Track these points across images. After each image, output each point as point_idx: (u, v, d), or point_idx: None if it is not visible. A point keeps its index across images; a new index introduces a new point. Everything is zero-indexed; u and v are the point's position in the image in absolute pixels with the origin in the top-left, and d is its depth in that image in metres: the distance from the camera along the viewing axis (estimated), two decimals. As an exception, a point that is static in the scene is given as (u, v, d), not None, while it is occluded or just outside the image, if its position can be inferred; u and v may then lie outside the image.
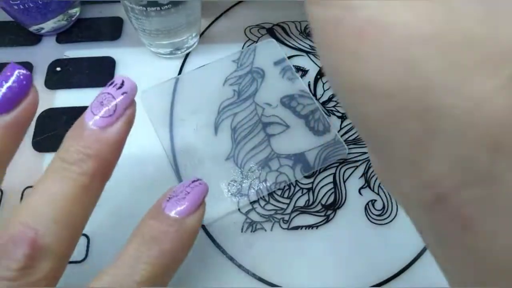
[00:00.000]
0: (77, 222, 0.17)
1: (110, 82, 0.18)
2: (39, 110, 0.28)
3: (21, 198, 0.25)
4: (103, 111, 0.18)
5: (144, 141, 0.27)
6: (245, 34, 0.32)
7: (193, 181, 0.19)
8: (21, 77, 0.17)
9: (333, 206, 0.25)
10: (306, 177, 0.26)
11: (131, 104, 0.18)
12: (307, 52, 0.31)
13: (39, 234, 0.16)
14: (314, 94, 0.29)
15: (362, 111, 0.11)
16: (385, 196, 0.26)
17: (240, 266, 0.24)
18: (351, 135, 0.28)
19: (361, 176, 0.26)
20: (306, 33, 0.32)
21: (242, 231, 0.25)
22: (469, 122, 0.09)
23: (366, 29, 0.10)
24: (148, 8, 0.25)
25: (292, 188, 0.26)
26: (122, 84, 0.18)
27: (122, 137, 0.18)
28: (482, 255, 0.10)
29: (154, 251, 0.17)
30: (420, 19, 0.09)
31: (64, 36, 0.32)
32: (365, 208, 0.25)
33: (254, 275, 0.23)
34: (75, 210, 0.17)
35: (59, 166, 0.17)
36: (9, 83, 0.17)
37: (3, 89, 0.17)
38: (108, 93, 0.18)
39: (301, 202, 0.25)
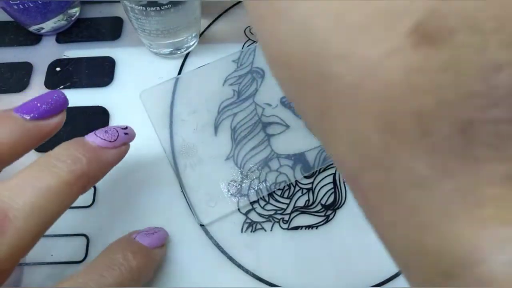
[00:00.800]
0: (48, 218, 0.17)
1: (118, 126, 0.22)
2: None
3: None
4: (105, 135, 0.20)
5: (144, 141, 0.27)
6: (245, 34, 0.32)
7: (156, 227, 0.23)
8: (58, 100, 0.20)
9: (333, 206, 0.25)
10: (306, 177, 0.26)
11: (128, 143, 0.21)
12: (307, 52, 0.31)
13: (12, 213, 0.16)
14: (314, 94, 0.29)
15: (278, 83, 0.10)
16: (385, 196, 0.26)
17: (240, 266, 0.24)
18: (351, 135, 0.28)
19: (361, 176, 0.26)
20: (306, 33, 0.32)
21: (242, 231, 0.25)
22: (359, 94, 0.08)
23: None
24: (147, 8, 0.25)
25: (292, 188, 0.26)
26: (126, 128, 0.22)
27: (112, 162, 0.20)
28: (387, 243, 0.09)
29: (123, 267, 0.19)
30: None
31: (64, 36, 0.32)
32: (365, 208, 0.25)
33: (254, 275, 0.23)
34: (53, 205, 0.17)
35: (48, 162, 0.18)
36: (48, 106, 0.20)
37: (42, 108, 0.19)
38: (114, 128, 0.21)
39: (301, 202, 0.25)
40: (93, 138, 0.20)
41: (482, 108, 0.07)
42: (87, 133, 0.28)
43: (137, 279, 0.19)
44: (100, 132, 0.20)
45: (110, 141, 0.20)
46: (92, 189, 0.25)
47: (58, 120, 0.20)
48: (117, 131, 0.21)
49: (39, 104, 0.19)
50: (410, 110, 0.07)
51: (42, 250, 0.24)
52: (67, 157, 0.18)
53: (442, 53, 0.07)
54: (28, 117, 0.19)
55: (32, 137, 0.19)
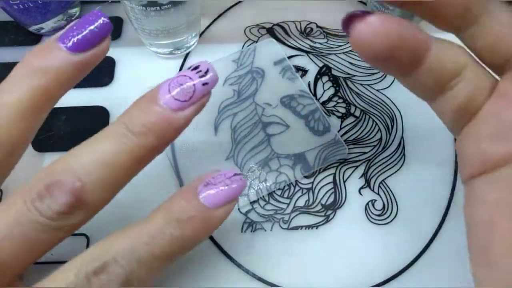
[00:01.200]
0: (115, 191, 0.18)
1: (195, 66, 0.19)
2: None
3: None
4: (180, 94, 0.18)
5: (144, 141, 0.27)
6: (245, 34, 0.32)
7: (235, 174, 0.19)
8: (104, 25, 0.18)
9: (333, 206, 0.25)
10: (306, 177, 0.26)
11: (207, 94, 0.19)
12: (307, 52, 0.31)
13: (85, 189, 0.16)
14: (314, 94, 0.29)
15: None
16: (385, 196, 0.26)
17: (240, 266, 0.24)
18: (351, 135, 0.28)
19: (361, 176, 0.26)
20: (306, 33, 0.32)
21: (242, 231, 0.25)
22: None
23: None
24: (147, 8, 0.25)
25: (292, 188, 0.26)
26: (206, 72, 0.19)
27: (187, 123, 0.18)
28: None
29: (176, 232, 0.17)
30: None
31: (64, 36, 0.32)
32: (365, 208, 0.25)
33: (254, 275, 0.23)
34: (122, 179, 0.18)
35: (120, 132, 0.17)
36: (92, 26, 0.18)
37: (86, 31, 0.18)
38: (190, 78, 0.18)
39: (301, 202, 0.25)
40: (166, 99, 0.18)
41: None
42: (87, 134, 0.28)
43: (187, 248, 0.18)
44: (174, 87, 0.18)
45: (184, 101, 0.18)
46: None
47: (103, 48, 0.19)
48: (193, 84, 0.18)
49: (81, 32, 0.18)
50: None
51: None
52: (140, 127, 0.17)
53: None
54: (71, 50, 0.18)
55: (79, 71, 0.19)
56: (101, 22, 0.18)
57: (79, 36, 0.18)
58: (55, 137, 0.27)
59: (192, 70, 0.19)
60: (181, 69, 0.30)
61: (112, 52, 0.31)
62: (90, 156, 0.17)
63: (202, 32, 0.32)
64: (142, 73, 0.30)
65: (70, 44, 0.18)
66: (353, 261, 0.24)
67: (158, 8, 0.25)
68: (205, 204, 0.18)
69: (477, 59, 0.17)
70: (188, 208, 0.18)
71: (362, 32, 0.15)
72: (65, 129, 0.28)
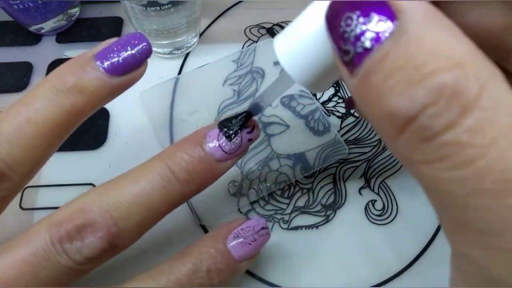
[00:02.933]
0: (144, 233, 0.18)
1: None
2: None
3: (21, 198, 0.25)
4: (228, 146, 0.18)
5: (144, 141, 0.27)
6: (245, 34, 0.32)
7: (262, 228, 0.20)
8: (145, 49, 0.18)
9: (333, 206, 0.25)
10: (306, 177, 0.26)
11: (248, 147, 0.19)
12: (307, 52, 0.31)
13: (120, 235, 0.16)
14: (314, 94, 0.29)
15: None
16: (385, 196, 0.26)
17: (240, 266, 0.24)
18: (351, 135, 0.28)
19: (361, 176, 0.26)
20: (306, 33, 0.32)
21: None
22: None
23: None
24: (148, 8, 0.25)
25: (292, 188, 0.26)
26: (253, 129, 0.19)
27: (226, 172, 0.19)
28: None
29: (205, 282, 0.17)
30: None
31: (64, 36, 0.32)
32: (365, 208, 0.25)
33: (254, 275, 0.23)
34: (155, 223, 0.18)
35: (164, 175, 0.17)
36: (134, 50, 0.17)
37: (126, 54, 0.17)
38: (240, 133, 0.18)
39: (301, 202, 0.25)
40: (215, 150, 0.18)
41: None
42: (87, 134, 0.28)
43: None
44: (223, 140, 0.18)
45: (230, 154, 0.18)
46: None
47: (141, 72, 0.18)
48: (241, 139, 0.18)
49: (121, 55, 0.17)
50: None
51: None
52: (185, 174, 0.17)
53: None
54: (109, 71, 0.17)
55: (113, 94, 0.18)
56: (143, 46, 0.18)
57: (119, 59, 0.17)
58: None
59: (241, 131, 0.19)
60: (181, 69, 0.30)
61: (112, 52, 0.31)
62: (129, 197, 0.16)
63: (202, 32, 0.32)
64: (142, 73, 0.30)
65: (108, 65, 0.17)
66: (353, 261, 0.24)
67: (158, 8, 0.25)
68: (233, 255, 0.18)
69: None
70: (218, 260, 0.18)
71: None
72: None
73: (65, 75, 0.17)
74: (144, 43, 0.18)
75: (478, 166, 0.10)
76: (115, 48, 0.17)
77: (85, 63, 0.17)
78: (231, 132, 0.18)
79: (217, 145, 0.18)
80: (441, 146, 0.10)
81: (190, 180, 0.17)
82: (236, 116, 0.19)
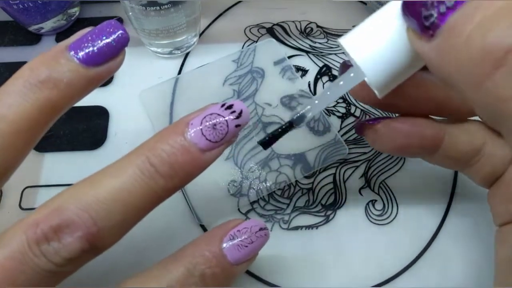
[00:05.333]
0: (127, 232, 0.16)
1: (228, 105, 0.17)
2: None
3: (21, 198, 0.25)
4: (212, 134, 0.16)
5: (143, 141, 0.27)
6: (245, 34, 0.32)
7: (261, 229, 0.18)
8: (122, 37, 0.17)
9: (333, 206, 0.25)
10: (306, 177, 0.26)
11: (237, 135, 0.17)
12: (307, 52, 0.31)
13: (100, 235, 0.15)
14: (314, 94, 0.29)
15: None
16: (385, 196, 0.26)
17: (240, 266, 0.24)
18: (351, 135, 0.28)
19: (361, 176, 0.26)
20: (306, 33, 0.32)
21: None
22: None
23: None
24: (147, 8, 0.25)
25: (292, 188, 0.26)
26: (240, 114, 0.17)
27: (213, 162, 0.17)
28: None
29: (200, 285, 0.16)
30: None
31: (64, 35, 0.32)
32: (365, 208, 0.25)
33: (254, 275, 0.23)
34: (137, 220, 0.16)
35: (145, 170, 0.15)
36: (109, 39, 0.17)
37: (101, 43, 0.16)
38: (225, 120, 0.16)
39: (301, 202, 0.25)
40: (198, 139, 0.16)
41: None
42: (87, 134, 0.28)
43: None
44: (207, 128, 0.16)
45: (215, 142, 0.16)
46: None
47: (119, 61, 0.17)
48: (227, 125, 0.16)
49: (96, 44, 0.16)
50: None
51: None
52: (167, 168, 0.16)
53: None
54: (84, 62, 0.16)
55: (90, 85, 0.17)
56: (119, 34, 0.17)
57: (94, 49, 0.16)
58: (55, 137, 0.27)
59: (226, 109, 0.17)
60: (181, 69, 0.30)
61: (112, 52, 0.31)
62: (109, 195, 0.15)
63: (202, 32, 0.32)
64: (142, 73, 0.30)
65: (83, 56, 0.16)
66: (353, 261, 0.24)
67: (158, 8, 0.25)
68: (228, 259, 0.17)
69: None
70: (213, 264, 0.17)
71: (373, 139, 0.20)
72: (64, 129, 0.28)
73: (37, 68, 0.16)
74: (121, 31, 0.17)
75: None
76: (90, 38, 0.16)
77: (58, 55, 0.16)
78: (265, 137, 0.18)
79: (200, 133, 0.16)
80: None
81: (173, 175, 0.16)
82: (278, 128, 0.18)
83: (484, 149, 0.18)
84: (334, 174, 0.26)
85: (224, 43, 0.31)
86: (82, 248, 0.15)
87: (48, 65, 0.16)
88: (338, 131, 0.28)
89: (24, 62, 0.32)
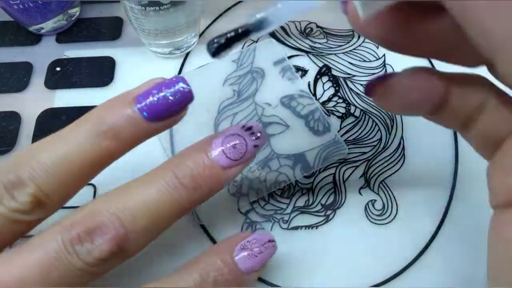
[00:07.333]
0: (153, 239, 0.18)
1: (248, 127, 0.19)
2: (39, 110, 0.28)
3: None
4: (233, 153, 0.18)
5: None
6: (245, 34, 0.32)
7: (269, 241, 0.20)
8: (186, 94, 0.18)
9: (333, 206, 0.25)
10: (306, 177, 0.26)
11: (255, 155, 0.19)
12: (307, 52, 0.31)
13: (128, 238, 0.16)
14: (314, 94, 0.29)
15: None
16: (385, 196, 0.26)
17: (240, 266, 0.24)
18: (351, 135, 0.28)
19: (361, 176, 0.26)
20: (306, 33, 0.32)
21: (242, 231, 0.25)
22: None
23: None
24: (147, 8, 0.25)
25: (292, 188, 0.26)
26: (258, 137, 0.19)
27: (232, 179, 0.19)
28: None
29: None
30: None
31: (64, 36, 0.32)
32: (365, 208, 0.25)
33: (254, 275, 0.23)
34: (163, 229, 0.18)
35: (171, 182, 0.17)
36: (175, 96, 0.17)
37: (168, 100, 0.17)
38: (244, 139, 0.18)
39: (301, 202, 0.25)
40: (219, 157, 0.18)
41: None
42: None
43: None
44: (228, 147, 0.18)
45: (235, 160, 0.18)
46: (92, 189, 0.25)
47: (180, 117, 0.18)
48: (246, 145, 0.18)
49: (162, 100, 0.17)
50: None
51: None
52: (191, 181, 0.17)
53: None
54: (148, 118, 0.17)
55: (149, 137, 0.18)
56: (185, 91, 0.18)
57: (159, 104, 0.17)
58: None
59: (246, 130, 0.19)
60: (181, 69, 0.30)
61: (112, 52, 0.31)
62: (136, 202, 0.17)
63: (202, 32, 0.32)
64: (142, 73, 0.30)
65: (148, 111, 0.17)
66: (353, 261, 0.24)
67: (157, 8, 0.25)
68: (240, 267, 0.18)
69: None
70: (225, 271, 0.18)
71: (385, 96, 0.18)
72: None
73: (104, 117, 0.17)
74: (187, 88, 0.18)
75: None
76: (156, 92, 0.17)
77: (125, 106, 0.17)
78: (215, 40, 0.15)
79: (221, 152, 0.18)
80: None
81: (196, 187, 0.17)
82: (231, 30, 0.15)
83: (488, 104, 0.17)
84: (334, 174, 0.26)
85: (224, 43, 0.31)
86: (111, 250, 0.16)
87: (114, 115, 0.17)
88: (338, 131, 0.28)
89: (25, 62, 0.32)
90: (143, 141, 0.18)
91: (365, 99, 0.29)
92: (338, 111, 0.28)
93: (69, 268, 0.16)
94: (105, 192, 0.18)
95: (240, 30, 0.15)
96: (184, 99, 0.18)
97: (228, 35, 0.15)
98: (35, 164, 0.16)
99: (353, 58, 0.30)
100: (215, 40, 0.15)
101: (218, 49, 0.15)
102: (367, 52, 0.31)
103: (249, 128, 0.19)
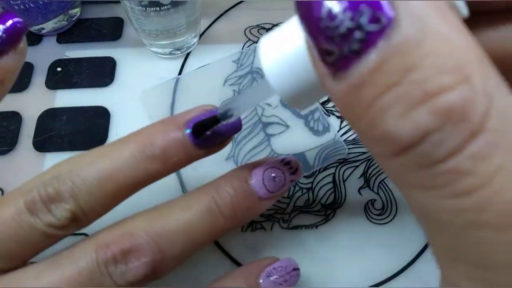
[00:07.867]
0: (182, 262, 0.18)
1: (286, 161, 0.19)
2: (40, 110, 0.28)
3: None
4: (272, 185, 0.18)
5: (144, 141, 0.27)
6: (245, 35, 0.32)
7: (294, 269, 0.20)
8: (236, 126, 0.18)
9: (333, 206, 0.25)
10: (306, 177, 0.26)
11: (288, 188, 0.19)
12: (307, 52, 0.31)
13: (163, 262, 0.16)
14: (314, 94, 0.29)
15: None
16: (385, 195, 0.26)
17: (240, 265, 0.24)
18: (351, 135, 0.28)
19: (360, 176, 0.26)
20: (306, 33, 0.32)
21: (242, 231, 0.25)
22: None
23: None
24: (147, 9, 0.26)
25: (292, 187, 0.26)
26: (295, 171, 0.19)
27: (264, 210, 0.19)
28: None
29: None
30: None
31: (65, 36, 0.32)
32: (365, 208, 0.25)
33: (254, 275, 0.24)
34: (195, 251, 0.18)
35: (211, 209, 0.17)
36: (225, 127, 0.18)
37: (215, 128, 0.17)
38: (283, 173, 0.19)
39: (301, 202, 0.26)
40: (259, 187, 0.18)
41: None
42: (88, 134, 0.28)
43: None
44: (268, 179, 0.18)
45: (272, 192, 0.18)
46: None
47: (224, 146, 0.19)
48: (284, 179, 0.19)
49: (217, 134, 0.17)
50: None
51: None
52: (230, 209, 0.17)
53: None
54: (197, 145, 0.17)
55: (190, 162, 0.18)
56: (234, 125, 0.18)
57: (209, 132, 0.17)
58: (56, 137, 0.28)
59: (285, 164, 0.19)
60: (181, 69, 0.30)
61: (113, 52, 0.31)
62: (175, 227, 0.17)
63: (202, 33, 0.32)
64: (143, 73, 0.30)
65: (198, 139, 0.17)
66: (353, 261, 0.24)
67: (158, 8, 0.26)
68: None
69: None
70: None
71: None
72: (65, 129, 0.28)
73: (154, 139, 0.17)
74: (231, 121, 0.17)
75: (479, 196, 0.08)
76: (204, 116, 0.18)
77: (176, 129, 0.17)
78: (197, 131, 0.17)
79: (261, 183, 0.18)
80: (440, 174, 0.09)
81: (233, 216, 0.18)
82: (206, 120, 0.18)
83: None
84: (334, 173, 0.26)
85: (225, 44, 0.31)
86: (146, 274, 0.16)
87: (164, 139, 0.17)
88: (338, 131, 0.28)
89: (25, 63, 0.32)
90: (188, 164, 0.18)
91: (365, 99, 0.29)
92: (337, 111, 0.29)
93: None
94: (143, 211, 0.17)
95: (207, 120, 0.17)
96: (235, 130, 0.18)
97: (198, 124, 0.17)
98: (78, 181, 0.16)
99: (353, 59, 0.31)
100: (192, 127, 0.17)
101: (193, 134, 0.17)
102: (367, 53, 0.31)
103: (288, 163, 0.19)
